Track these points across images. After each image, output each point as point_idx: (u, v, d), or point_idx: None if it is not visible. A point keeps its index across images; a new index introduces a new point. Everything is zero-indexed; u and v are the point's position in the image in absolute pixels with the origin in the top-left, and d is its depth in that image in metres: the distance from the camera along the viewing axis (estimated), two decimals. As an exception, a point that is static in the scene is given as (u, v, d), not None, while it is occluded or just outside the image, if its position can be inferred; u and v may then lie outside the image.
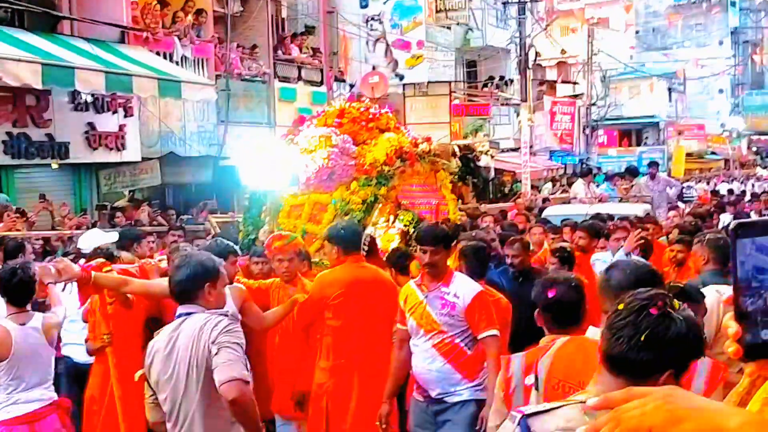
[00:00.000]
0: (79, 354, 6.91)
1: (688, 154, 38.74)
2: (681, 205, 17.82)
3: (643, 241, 8.59)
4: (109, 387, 5.86)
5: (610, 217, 11.42)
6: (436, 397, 5.26)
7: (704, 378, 2.97)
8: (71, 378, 7.05)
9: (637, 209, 13.69)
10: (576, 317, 3.73)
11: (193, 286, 4.00)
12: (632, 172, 18.81)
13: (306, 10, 21.93)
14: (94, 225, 11.96)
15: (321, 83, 20.66)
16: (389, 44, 22.73)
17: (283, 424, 6.28)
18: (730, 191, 25.61)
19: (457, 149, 24.93)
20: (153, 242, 9.11)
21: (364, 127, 8.49)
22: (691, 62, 41.80)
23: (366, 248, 7.05)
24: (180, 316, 4.02)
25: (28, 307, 5.59)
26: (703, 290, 4.44)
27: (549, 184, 27.24)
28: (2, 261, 7.74)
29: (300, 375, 6.03)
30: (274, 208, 8.15)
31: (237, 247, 6.38)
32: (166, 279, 5.56)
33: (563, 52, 35.68)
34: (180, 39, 16.01)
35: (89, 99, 14.09)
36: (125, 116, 14.94)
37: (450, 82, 25.57)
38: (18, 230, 10.52)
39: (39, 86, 12.03)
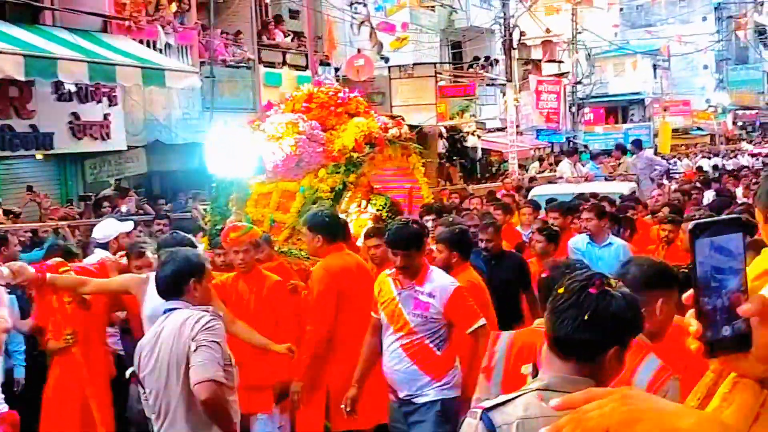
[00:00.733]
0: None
1: (674, 130, 38.84)
2: (666, 182, 17.91)
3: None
4: (71, 387, 5.88)
5: (594, 196, 11.49)
6: (404, 398, 5.09)
7: (648, 377, 2.99)
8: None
9: (623, 187, 13.75)
10: None
11: (179, 282, 4.06)
12: (622, 149, 18.87)
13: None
14: (80, 215, 11.94)
15: (306, 67, 20.59)
16: (373, 27, 22.61)
17: (261, 419, 5.96)
18: (715, 167, 25.73)
19: (444, 130, 25.17)
20: (141, 231, 9.13)
21: (333, 112, 8.27)
22: (675, 39, 41.71)
23: None
24: (165, 311, 4.07)
25: None
26: None
27: (536, 163, 27.29)
28: None
29: (277, 367, 5.81)
30: (241, 197, 7.97)
31: (195, 239, 6.20)
32: (126, 276, 5.66)
33: (548, 31, 35.58)
34: (163, 27, 15.92)
35: (73, 89, 14.02)
36: (109, 105, 14.90)
37: (435, 64, 25.53)
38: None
39: (21, 77, 11.96)
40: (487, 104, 28.60)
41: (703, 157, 32.59)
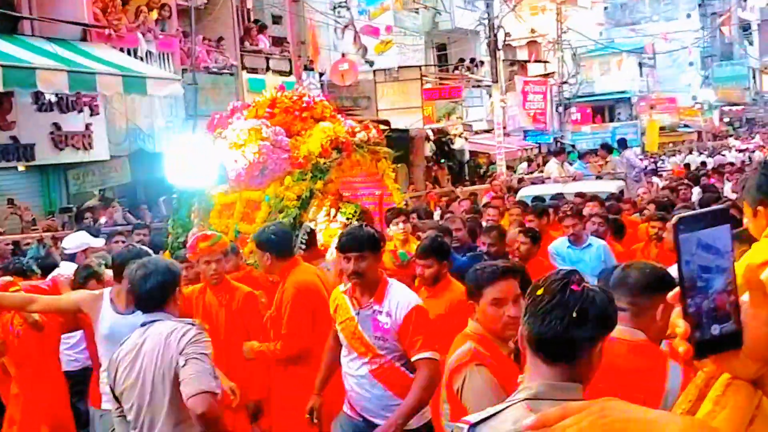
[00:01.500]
0: None
1: (662, 128, 38.98)
2: (655, 180, 17.89)
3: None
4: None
5: (581, 195, 11.43)
6: (374, 422, 4.55)
7: (679, 382, 2.93)
8: None
9: (611, 186, 13.70)
10: None
11: (164, 294, 3.97)
12: (608, 148, 18.86)
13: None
14: (63, 227, 11.80)
15: (290, 73, 20.48)
16: (357, 31, 22.55)
17: None
18: (703, 164, 25.75)
19: (431, 133, 25.11)
20: (124, 242, 8.97)
21: (298, 117, 7.93)
22: (660, 36, 41.86)
23: (304, 245, 6.84)
24: (145, 324, 3.96)
25: None
26: None
27: (524, 164, 27.27)
28: None
29: (250, 385, 5.53)
30: (204, 208, 7.63)
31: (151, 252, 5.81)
32: (77, 293, 5.47)
33: (533, 31, 35.67)
34: (144, 34, 15.79)
35: (53, 99, 13.89)
36: (91, 115, 14.77)
37: (420, 67, 25.47)
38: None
39: (0, 89, 11.81)
40: (474, 106, 28.57)
41: (689, 154, 32.65)
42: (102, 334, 5.07)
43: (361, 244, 4.52)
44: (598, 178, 16.20)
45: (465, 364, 3.34)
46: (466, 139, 27.21)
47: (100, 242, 8.13)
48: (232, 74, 18.56)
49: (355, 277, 4.51)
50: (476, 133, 28.15)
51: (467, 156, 28.20)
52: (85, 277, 5.92)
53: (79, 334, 6.26)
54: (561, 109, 36.96)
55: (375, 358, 4.51)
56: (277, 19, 22.16)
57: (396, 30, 24.88)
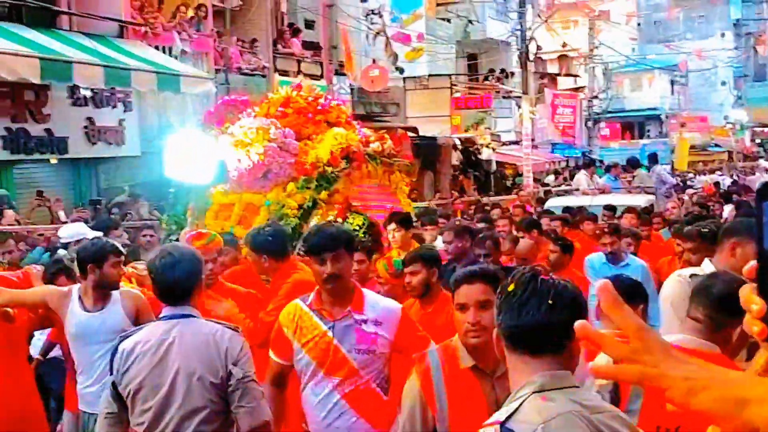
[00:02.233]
0: None
1: (692, 147, 38.65)
2: (686, 197, 17.77)
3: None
4: None
5: (611, 208, 11.40)
6: None
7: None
8: None
9: (640, 200, 13.64)
10: None
11: (191, 285, 3.65)
12: (633, 164, 18.79)
13: (305, 3, 21.85)
14: (92, 219, 11.89)
15: (321, 77, 20.59)
16: (389, 37, 22.62)
17: None
18: (734, 182, 25.54)
19: (458, 142, 25.10)
20: (152, 236, 8.98)
21: (311, 119, 7.49)
22: (693, 54, 41.58)
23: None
24: (172, 317, 3.64)
25: None
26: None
27: (551, 177, 27.19)
28: None
29: None
30: (200, 206, 7.21)
31: (119, 245, 5.29)
32: (44, 287, 5.14)
33: (564, 45, 35.59)
34: (179, 33, 15.95)
35: (88, 94, 14.04)
36: (124, 111, 14.91)
37: (450, 75, 25.50)
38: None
39: (37, 81, 11.97)
40: (502, 117, 28.56)
41: (721, 176, 32.35)
42: (70, 333, 4.86)
43: (336, 241, 3.92)
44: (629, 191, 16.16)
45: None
46: (494, 149, 27.17)
47: (97, 234, 7.36)
48: (263, 76, 18.68)
49: (332, 282, 3.89)
50: (504, 143, 28.12)
51: (494, 166, 28.16)
52: (55, 273, 5.63)
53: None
54: (590, 123, 36.86)
55: (350, 378, 3.91)
56: (310, 24, 22.29)
57: (427, 38, 24.92)
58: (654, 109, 43.96)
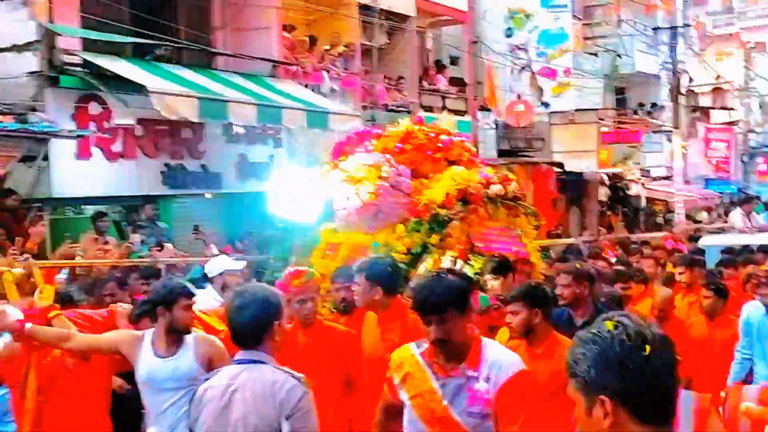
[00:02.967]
0: None
1: None
2: None
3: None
4: None
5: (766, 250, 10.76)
6: None
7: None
8: None
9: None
10: None
11: (259, 329, 3.48)
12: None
13: (451, 40, 22.00)
14: (243, 252, 12.28)
15: (465, 112, 20.63)
16: (534, 72, 22.44)
17: None
18: None
19: (606, 178, 24.49)
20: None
21: (430, 156, 7.04)
22: None
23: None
24: (241, 362, 3.52)
25: None
26: None
27: (704, 213, 26.09)
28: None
29: None
30: (306, 244, 6.90)
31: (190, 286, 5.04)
32: (118, 332, 4.99)
33: (718, 77, 34.24)
34: (328, 72, 16.36)
35: (242, 131, 14.57)
36: (275, 147, 15.37)
37: (598, 110, 24.98)
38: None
39: (195, 119, 12.51)
40: (652, 152, 27.66)
41: None
42: (141, 379, 4.68)
43: (443, 304, 3.44)
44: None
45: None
46: (643, 185, 26.36)
47: (241, 264, 7.43)
48: (409, 111, 18.86)
49: (438, 345, 3.50)
50: (654, 179, 27.23)
51: (643, 202, 27.30)
52: (139, 315, 5.35)
53: None
54: (746, 158, 35.21)
55: None
56: (454, 60, 22.41)
57: (574, 72, 24.56)
58: (816, 142, 41.52)
